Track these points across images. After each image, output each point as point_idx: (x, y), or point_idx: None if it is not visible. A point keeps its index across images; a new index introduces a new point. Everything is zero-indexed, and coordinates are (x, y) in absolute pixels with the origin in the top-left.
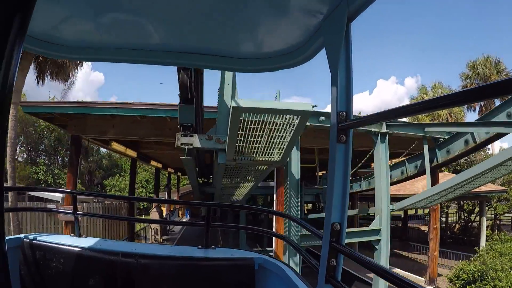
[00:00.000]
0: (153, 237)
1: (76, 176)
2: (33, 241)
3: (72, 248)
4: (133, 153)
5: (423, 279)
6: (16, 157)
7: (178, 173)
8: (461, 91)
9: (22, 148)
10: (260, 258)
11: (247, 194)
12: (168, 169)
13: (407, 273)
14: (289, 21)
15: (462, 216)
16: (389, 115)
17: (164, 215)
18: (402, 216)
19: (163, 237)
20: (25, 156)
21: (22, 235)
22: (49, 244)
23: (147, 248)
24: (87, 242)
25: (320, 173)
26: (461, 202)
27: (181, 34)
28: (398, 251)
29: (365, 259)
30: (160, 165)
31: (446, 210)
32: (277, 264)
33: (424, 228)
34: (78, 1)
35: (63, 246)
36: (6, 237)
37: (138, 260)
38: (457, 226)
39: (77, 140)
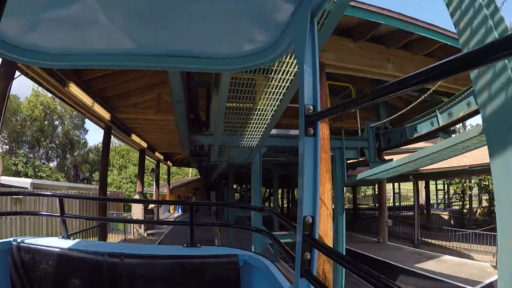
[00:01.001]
0: (135, 230)
1: None
2: (22, 244)
3: (60, 250)
4: (106, 115)
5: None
6: None
7: (168, 163)
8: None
9: (0, 137)
10: (244, 254)
11: (264, 137)
12: (156, 153)
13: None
14: (259, 21)
15: (485, 198)
16: (353, 104)
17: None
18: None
19: (148, 231)
20: (5, 147)
21: (11, 239)
22: (37, 246)
23: (132, 248)
24: (75, 243)
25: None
26: (481, 183)
27: (164, 39)
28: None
29: (336, 252)
30: (144, 144)
31: (470, 192)
32: (261, 260)
33: (444, 214)
34: (55, 6)
35: (51, 248)
36: None
37: (123, 260)
38: (478, 210)
39: None
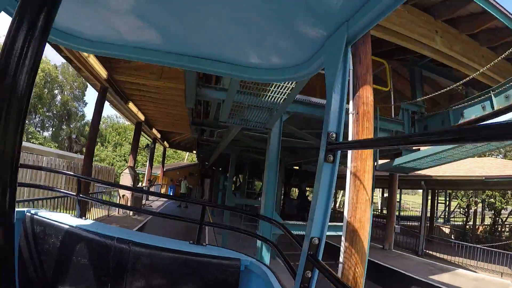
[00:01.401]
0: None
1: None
2: (35, 216)
3: (71, 227)
4: (102, 72)
5: None
6: None
7: (165, 143)
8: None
9: None
10: (246, 260)
11: (290, 98)
12: (153, 130)
13: None
14: (294, 38)
15: (490, 215)
16: (379, 144)
17: (141, 184)
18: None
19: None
20: None
21: (25, 209)
22: (50, 220)
23: (141, 236)
24: (86, 223)
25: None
26: (487, 200)
27: (196, 40)
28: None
29: (337, 278)
30: (141, 117)
31: (475, 207)
32: (262, 268)
33: (446, 227)
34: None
35: (63, 224)
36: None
37: (131, 247)
38: (480, 228)
39: None
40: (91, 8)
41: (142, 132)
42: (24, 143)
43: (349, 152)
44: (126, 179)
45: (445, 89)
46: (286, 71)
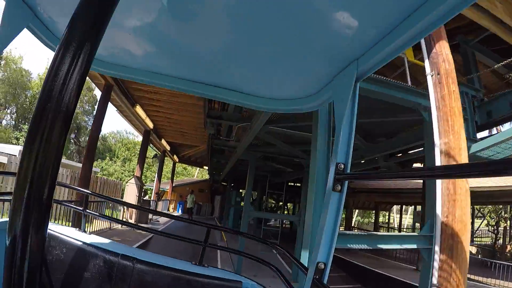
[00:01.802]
0: (124, 220)
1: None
2: None
3: (76, 241)
4: None
5: None
6: None
7: (175, 157)
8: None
9: (7, 110)
10: (248, 283)
11: None
12: (163, 141)
13: None
14: (303, 74)
15: None
16: (386, 175)
17: (148, 197)
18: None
19: (140, 225)
20: (11, 122)
21: None
22: (54, 233)
23: (145, 255)
24: (91, 238)
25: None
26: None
27: (209, 69)
28: None
29: None
30: (150, 124)
31: (505, 224)
32: None
33: (473, 247)
34: (121, 23)
35: (67, 238)
36: None
37: (135, 264)
38: (508, 247)
39: None
40: (111, 33)
41: (151, 144)
42: None
43: (435, 122)
44: (131, 190)
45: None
46: (293, 102)
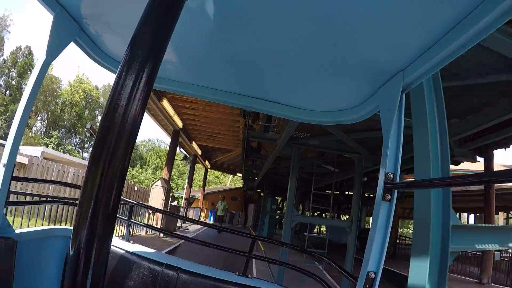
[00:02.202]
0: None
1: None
2: None
3: (119, 250)
4: None
5: None
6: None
7: (206, 163)
8: None
9: (37, 117)
10: None
11: None
12: (194, 144)
13: None
14: (347, 86)
15: None
16: (435, 184)
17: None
18: None
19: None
20: (42, 129)
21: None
22: None
23: (189, 265)
24: (134, 248)
25: None
26: None
27: (252, 82)
28: None
29: None
30: (179, 123)
31: None
32: None
33: None
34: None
35: (112, 247)
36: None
37: (179, 274)
38: None
39: None
40: None
41: (181, 148)
42: (50, 151)
43: None
44: (157, 193)
45: None
46: (337, 114)
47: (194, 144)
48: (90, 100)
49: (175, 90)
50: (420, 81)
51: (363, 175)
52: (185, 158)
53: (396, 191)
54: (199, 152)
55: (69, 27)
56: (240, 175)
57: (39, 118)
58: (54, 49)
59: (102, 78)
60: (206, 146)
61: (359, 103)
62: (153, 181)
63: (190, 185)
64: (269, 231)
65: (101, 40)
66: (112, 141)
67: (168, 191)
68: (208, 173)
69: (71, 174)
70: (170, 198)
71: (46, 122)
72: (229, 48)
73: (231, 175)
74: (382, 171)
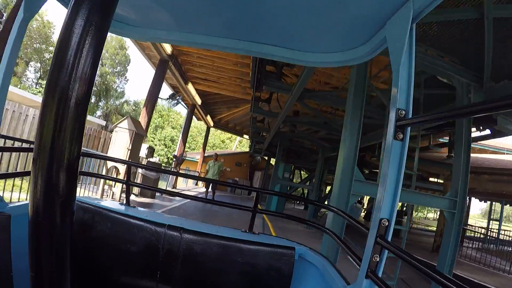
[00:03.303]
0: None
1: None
2: (84, 204)
3: (120, 214)
4: None
5: None
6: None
7: (208, 119)
8: None
9: (29, 65)
10: (301, 249)
11: None
12: (189, 86)
13: None
14: (353, 20)
15: None
16: (449, 116)
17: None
18: None
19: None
20: (33, 76)
21: None
22: (98, 208)
23: (192, 224)
24: (135, 211)
25: None
26: None
27: (253, 25)
28: None
29: (412, 257)
30: (167, 49)
31: None
32: (317, 257)
33: None
34: None
35: (112, 212)
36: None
37: (182, 234)
38: None
39: None
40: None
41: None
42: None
43: None
44: (120, 139)
45: None
46: (345, 54)
47: (190, 88)
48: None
49: (167, 40)
50: (431, 8)
51: None
52: (172, 96)
53: (409, 129)
54: (198, 101)
55: None
56: (247, 137)
57: (31, 68)
58: (32, 5)
59: None
60: (207, 95)
61: (366, 39)
62: (151, 141)
63: (184, 141)
64: (278, 205)
65: None
66: (64, 93)
67: (138, 137)
68: (213, 138)
69: (31, 117)
70: (147, 151)
71: (39, 71)
72: None
73: (238, 140)
74: (392, 108)
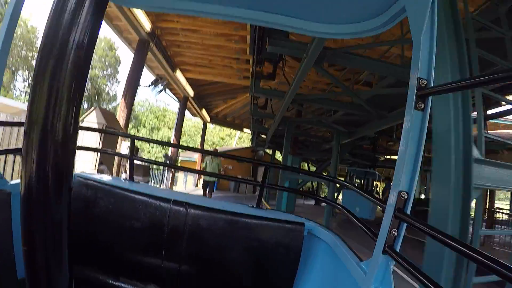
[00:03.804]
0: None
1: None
2: (85, 180)
3: (124, 190)
4: None
5: None
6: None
7: (203, 114)
8: None
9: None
10: (310, 224)
11: None
12: (178, 73)
13: None
14: None
15: None
16: (473, 84)
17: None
18: None
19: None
20: (21, 86)
21: (74, 173)
22: (101, 184)
23: (198, 199)
24: (139, 187)
25: None
26: None
27: None
28: None
29: (437, 230)
30: (147, 26)
31: None
32: (326, 233)
33: None
34: None
35: (115, 188)
36: None
37: (188, 209)
38: None
39: None
40: None
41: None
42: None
43: None
44: (89, 136)
45: None
46: (356, 25)
47: (180, 76)
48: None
49: (171, 8)
50: None
51: None
52: (155, 83)
53: (430, 99)
54: (190, 92)
55: None
56: (248, 131)
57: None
58: None
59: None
60: (200, 85)
61: (384, 9)
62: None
63: (178, 138)
64: (288, 204)
65: None
66: (60, 49)
67: (102, 127)
68: (212, 135)
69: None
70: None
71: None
72: None
73: (237, 135)
74: (413, 76)
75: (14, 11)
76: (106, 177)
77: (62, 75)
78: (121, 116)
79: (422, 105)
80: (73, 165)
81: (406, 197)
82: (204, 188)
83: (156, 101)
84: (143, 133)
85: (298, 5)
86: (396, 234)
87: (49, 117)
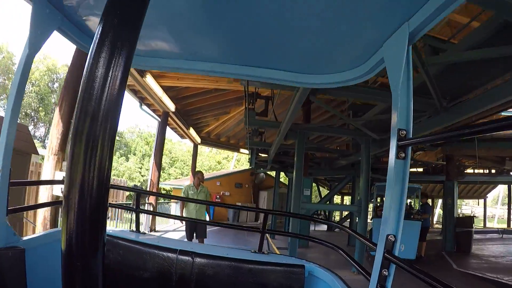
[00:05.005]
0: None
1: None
2: None
3: (131, 241)
4: None
5: None
6: None
7: (191, 134)
8: None
9: None
10: (310, 266)
11: None
12: (148, 79)
13: None
14: (350, 42)
15: None
16: (450, 136)
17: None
18: None
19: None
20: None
21: None
22: (109, 236)
23: (203, 248)
24: (146, 238)
25: None
26: None
27: (244, 49)
28: None
29: (421, 271)
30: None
31: None
32: (327, 274)
33: None
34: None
35: (122, 240)
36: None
37: (194, 258)
38: None
39: None
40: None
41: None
42: None
43: None
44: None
45: None
46: (341, 75)
47: (151, 83)
48: (55, 78)
49: (168, 67)
50: (427, 30)
51: None
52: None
53: (410, 148)
54: (171, 106)
55: (50, 15)
56: (246, 151)
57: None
58: (36, 41)
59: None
60: (182, 98)
61: (364, 60)
62: (138, 171)
63: (157, 163)
64: (301, 231)
65: (87, 26)
66: (93, 129)
67: (19, 157)
68: (208, 159)
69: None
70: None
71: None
72: (224, 15)
73: (235, 157)
74: (393, 129)
75: (24, 68)
76: (113, 230)
77: (95, 143)
78: (56, 131)
79: (403, 154)
80: (105, 222)
81: (393, 239)
82: (188, 230)
83: (147, 126)
84: (132, 161)
85: (287, 60)
86: (386, 273)
87: (84, 182)
